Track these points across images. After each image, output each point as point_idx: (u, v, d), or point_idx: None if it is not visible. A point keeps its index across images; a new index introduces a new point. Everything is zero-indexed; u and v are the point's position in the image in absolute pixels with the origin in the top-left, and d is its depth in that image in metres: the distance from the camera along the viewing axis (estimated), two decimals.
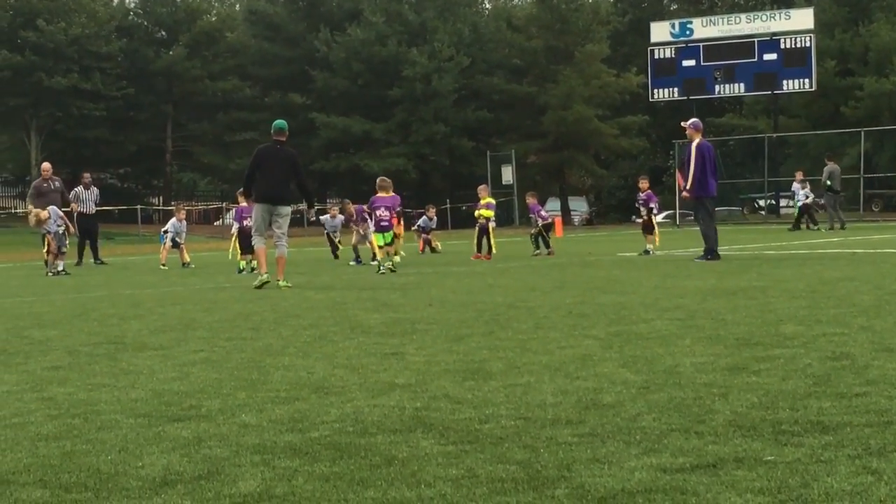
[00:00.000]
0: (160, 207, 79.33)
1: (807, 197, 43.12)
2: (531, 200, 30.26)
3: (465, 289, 16.90)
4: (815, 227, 42.18)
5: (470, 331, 10.82)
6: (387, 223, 23.48)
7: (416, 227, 36.49)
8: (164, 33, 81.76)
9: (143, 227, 63.45)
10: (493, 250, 28.24)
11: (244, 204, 25.90)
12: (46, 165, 31.66)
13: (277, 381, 8.06)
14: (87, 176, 34.58)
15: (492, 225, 28.62)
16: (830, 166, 43.67)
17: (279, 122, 19.70)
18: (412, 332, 10.86)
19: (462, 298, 14.95)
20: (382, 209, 23.77)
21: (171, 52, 77.74)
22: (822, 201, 46.12)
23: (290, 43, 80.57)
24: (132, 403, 7.34)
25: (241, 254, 25.97)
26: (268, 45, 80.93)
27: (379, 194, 24.27)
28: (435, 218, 37.81)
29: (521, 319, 11.73)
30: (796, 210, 44.40)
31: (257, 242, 19.23)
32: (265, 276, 18.42)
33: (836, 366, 7.79)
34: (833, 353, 8.41)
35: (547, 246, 28.71)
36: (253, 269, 24.76)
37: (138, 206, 65.66)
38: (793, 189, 44.74)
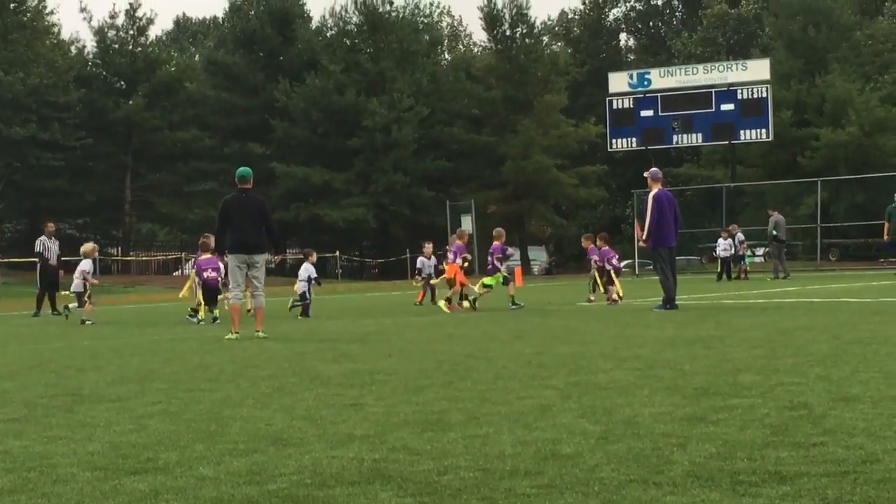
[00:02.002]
0: (119, 258, 78.99)
1: (728, 248, 44.66)
2: (586, 244, 29.20)
3: (424, 339, 16.89)
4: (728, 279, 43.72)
5: (429, 381, 10.79)
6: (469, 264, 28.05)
7: (418, 275, 32.44)
8: (123, 83, 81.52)
9: (102, 277, 62.99)
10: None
11: (204, 256, 25.61)
12: None
13: (235, 433, 8.01)
14: (51, 225, 33.94)
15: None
16: (776, 216, 44.36)
17: (243, 169, 19.31)
18: (371, 383, 10.83)
19: (422, 348, 14.95)
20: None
21: (130, 103, 77.52)
22: (769, 250, 47.11)
23: (250, 93, 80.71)
24: (89, 456, 7.28)
25: (206, 305, 25.48)
26: (227, 96, 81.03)
27: (457, 242, 28.15)
28: (433, 258, 32.62)
29: (480, 370, 11.73)
30: (748, 258, 45.84)
31: (234, 297, 18.90)
32: (236, 335, 18.16)
33: (794, 415, 7.82)
34: (790, 402, 8.44)
35: (604, 290, 27.03)
36: (215, 320, 24.60)
37: (97, 257, 64.99)
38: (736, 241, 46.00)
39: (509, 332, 17.54)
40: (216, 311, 24.99)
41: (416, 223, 78.57)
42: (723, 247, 45.49)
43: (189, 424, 8.57)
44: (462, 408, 8.87)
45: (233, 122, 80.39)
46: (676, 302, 22.70)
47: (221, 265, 24.74)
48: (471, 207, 70.32)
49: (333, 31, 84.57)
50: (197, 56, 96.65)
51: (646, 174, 23.81)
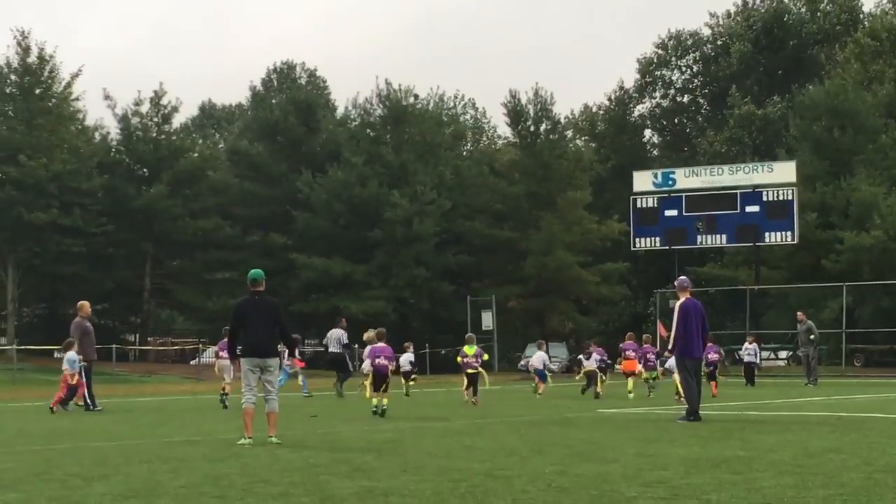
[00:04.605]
0: (136, 347, 78.57)
1: (753, 353, 44.62)
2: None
3: (442, 451, 16.39)
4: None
5: None
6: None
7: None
8: (145, 171, 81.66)
9: (118, 364, 62.52)
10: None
11: (379, 344, 25.63)
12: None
13: None
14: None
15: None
16: (809, 321, 44.29)
17: (255, 272, 19.01)
18: None
19: (438, 463, 14.47)
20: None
21: (152, 190, 77.46)
22: (804, 352, 46.36)
23: (272, 183, 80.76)
24: None
25: (374, 391, 25.40)
26: (249, 185, 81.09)
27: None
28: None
29: (497, 493, 11.26)
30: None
31: (247, 402, 18.46)
32: (249, 440, 17.74)
33: None
34: None
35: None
36: (376, 412, 24.75)
37: (113, 346, 64.08)
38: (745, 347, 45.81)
39: (529, 445, 17.05)
40: (385, 399, 25.01)
41: (436, 317, 78.16)
42: (748, 351, 45.07)
43: None
44: None
45: (254, 212, 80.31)
46: (700, 412, 22.28)
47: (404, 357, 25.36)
48: (491, 303, 69.91)
49: (356, 123, 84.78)
50: (220, 145, 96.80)
51: (675, 282, 23.61)
